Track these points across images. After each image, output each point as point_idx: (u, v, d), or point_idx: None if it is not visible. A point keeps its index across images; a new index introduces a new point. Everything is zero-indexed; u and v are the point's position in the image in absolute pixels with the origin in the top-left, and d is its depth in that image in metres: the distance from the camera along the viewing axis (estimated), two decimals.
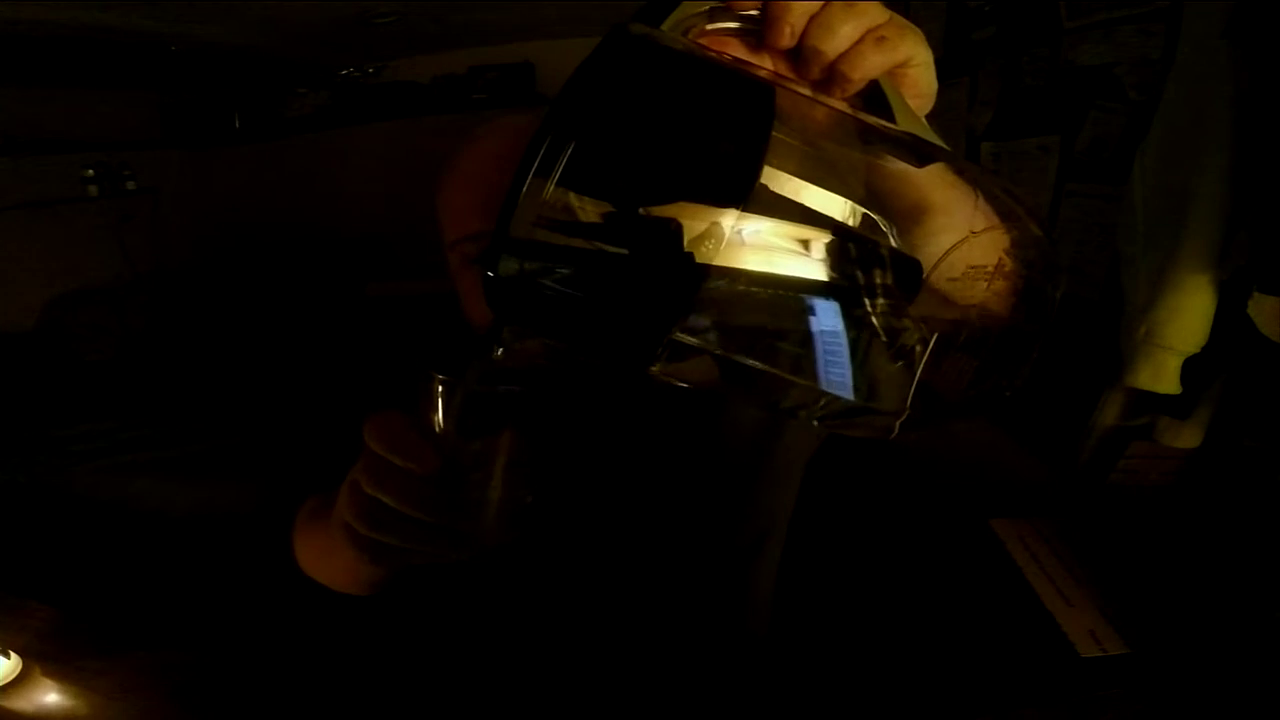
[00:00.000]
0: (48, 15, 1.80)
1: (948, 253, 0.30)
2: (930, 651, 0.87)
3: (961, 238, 0.30)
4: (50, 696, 0.78)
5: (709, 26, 0.33)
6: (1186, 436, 1.00)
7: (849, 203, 0.29)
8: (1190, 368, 0.93)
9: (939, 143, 0.33)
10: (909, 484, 1.08)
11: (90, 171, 2.42)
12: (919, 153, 0.32)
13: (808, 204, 0.29)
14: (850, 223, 0.29)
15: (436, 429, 0.37)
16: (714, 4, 0.33)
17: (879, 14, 0.33)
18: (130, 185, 2.56)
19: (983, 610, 0.92)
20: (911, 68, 0.34)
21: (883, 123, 0.33)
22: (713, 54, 0.31)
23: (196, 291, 2.73)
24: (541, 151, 0.27)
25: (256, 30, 2.27)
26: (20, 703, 0.77)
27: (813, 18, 0.32)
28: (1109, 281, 1.04)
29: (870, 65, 0.32)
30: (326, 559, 0.54)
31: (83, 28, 1.92)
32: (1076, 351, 1.04)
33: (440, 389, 0.37)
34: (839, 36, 0.32)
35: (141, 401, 2.11)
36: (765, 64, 0.34)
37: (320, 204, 3.08)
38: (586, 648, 0.68)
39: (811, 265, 0.29)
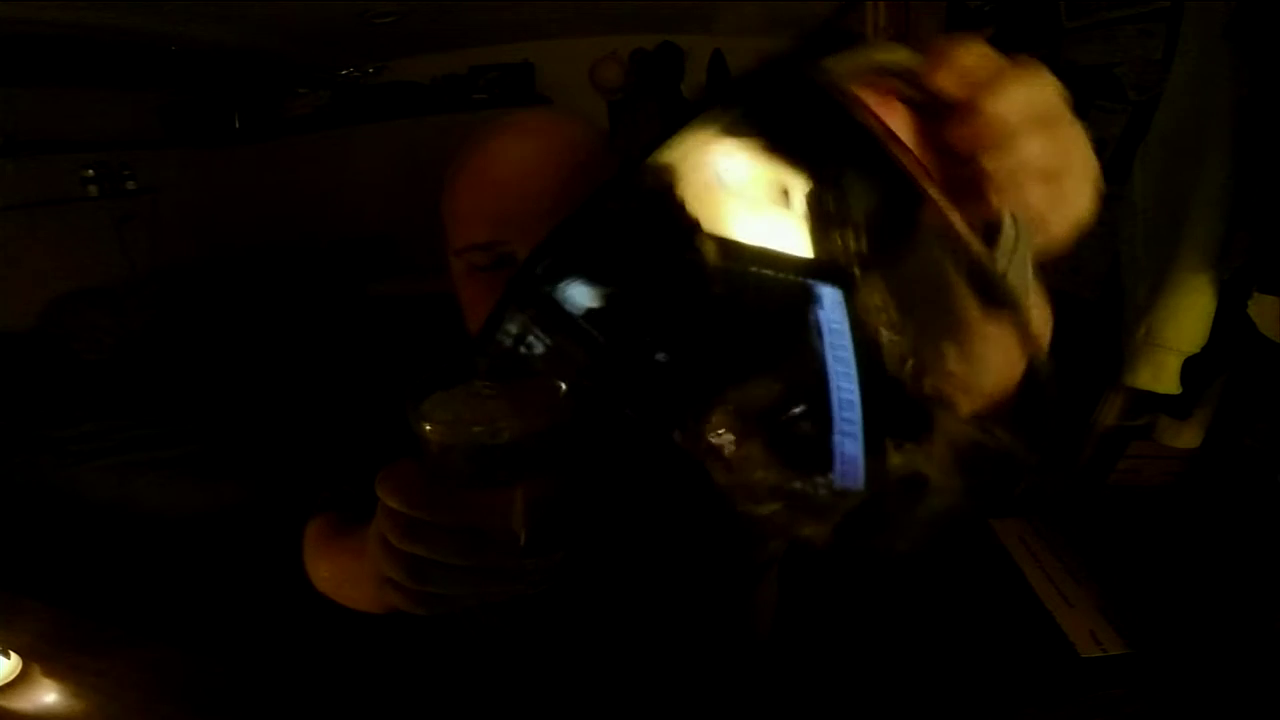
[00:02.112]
0: (48, 15, 1.80)
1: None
2: (931, 651, 0.87)
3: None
4: (50, 696, 0.78)
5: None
6: (1186, 436, 1.00)
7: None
8: (1190, 368, 0.93)
9: (1030, 301, 0.29)
10: None
11: (90, 171, 2.41)
12: (994, 299, 0.27)
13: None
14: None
15: (447, 472, 0.35)
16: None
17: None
18: (130, 185, 2.55)
19: (983, 610, 0.92)
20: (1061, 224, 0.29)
21: (986, 251, 0.27)
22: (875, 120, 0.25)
23: (196, 291, 2.72)
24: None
25: (256, 30, 2.27)
26: (20, 703, 0.77)
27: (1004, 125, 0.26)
28: (1109, 281, 1.04)
29: (1023, 202, 0.27)
30: (349, 586, 0.53)
31: (83, 28, 1.92)
32: (1076, 351, 1.04)
33: (434, 435, 0.35)
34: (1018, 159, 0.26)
35: (141, 401, 2.10)
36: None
37: (320, 204, 3.08)
38: (596, 652, 0.68)
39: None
